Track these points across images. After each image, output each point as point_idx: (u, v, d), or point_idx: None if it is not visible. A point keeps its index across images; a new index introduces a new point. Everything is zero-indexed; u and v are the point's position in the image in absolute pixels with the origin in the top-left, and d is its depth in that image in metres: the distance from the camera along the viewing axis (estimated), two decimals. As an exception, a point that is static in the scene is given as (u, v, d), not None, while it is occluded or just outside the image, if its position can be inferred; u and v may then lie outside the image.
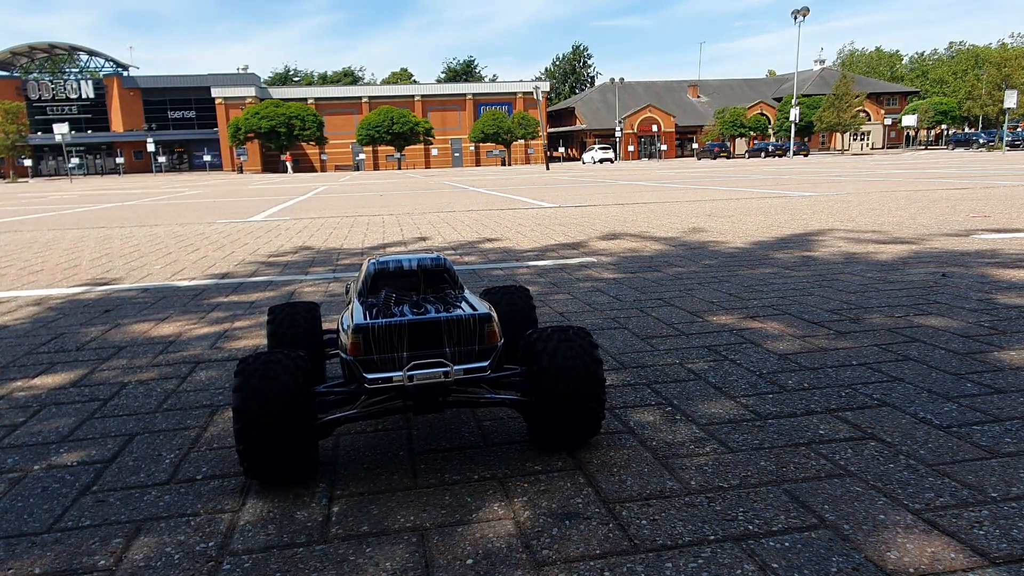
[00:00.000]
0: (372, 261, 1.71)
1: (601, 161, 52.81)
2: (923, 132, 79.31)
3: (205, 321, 2.98)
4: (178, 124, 73.94)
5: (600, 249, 4.82)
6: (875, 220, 6.09)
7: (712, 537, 1.19)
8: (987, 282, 3.23)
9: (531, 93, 69.13)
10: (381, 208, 9.93)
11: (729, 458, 1.48)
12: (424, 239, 5.77)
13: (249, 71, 77.71)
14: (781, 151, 54.22)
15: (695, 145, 74.26)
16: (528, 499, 1.34)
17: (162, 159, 66.91)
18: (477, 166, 66.56)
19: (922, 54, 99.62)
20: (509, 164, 66.11)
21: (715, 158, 55.21)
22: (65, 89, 70.86)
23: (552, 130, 78.95)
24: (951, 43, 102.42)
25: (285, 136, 56.38)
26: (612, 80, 76.87)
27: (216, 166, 71.79)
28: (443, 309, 1.46)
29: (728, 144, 60.82)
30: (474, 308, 1.47)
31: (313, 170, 65.54)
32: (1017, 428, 1.58)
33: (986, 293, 2.99)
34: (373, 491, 1.40)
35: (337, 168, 67.82)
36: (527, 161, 70.75)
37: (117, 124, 71.16)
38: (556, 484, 1.40)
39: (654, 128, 71.84)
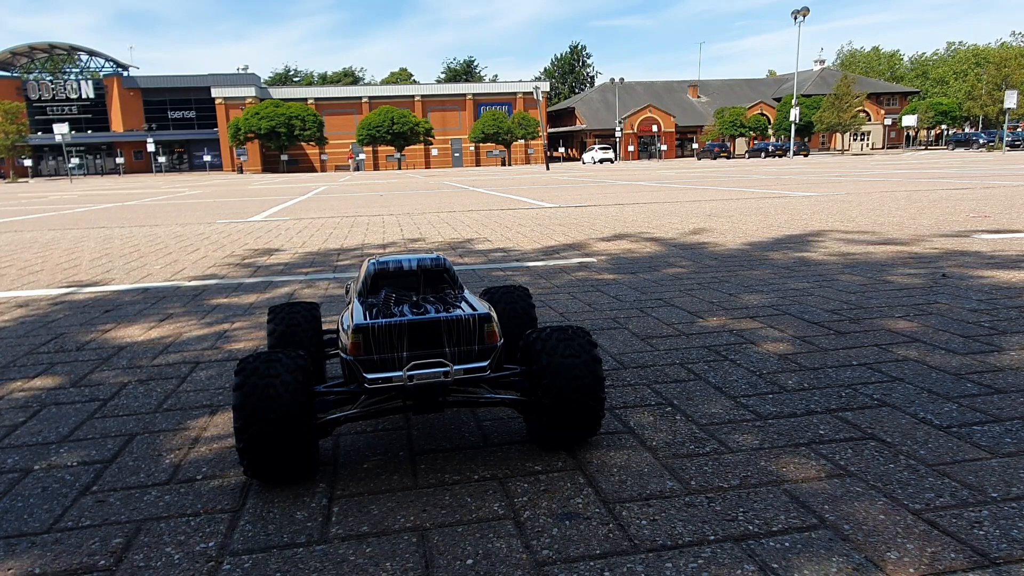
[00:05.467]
0: (372, 261, 1.71)
1: (601, 161, 52.80)
2: (923, 132, 79.32)
3: (205, 321, 2.98)
4: (178, 124, 73.92)
5: (600, 249, 4.82)
6: (875, 220, 6.09)
7: (712, 537, 1.19)
8: (987, 282, 3.23)
9: (531, 93, 69.14)
10: (381, 208, 9.93)
11: (729, 458, 1.48)
12: (424, 239, 5.77)
13: (249, 71, 77.85)
14: (781, 151, 54.19)
15: (695, 145, 74.27)
16: (528, 499, 1.34)
17: (162, 159, 66.89)
18: (477, 166, 66.56)
19: (922, 54, 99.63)
20: (509, 164, 66.10)
21: (715, 158, 55.21)
22: (65, 89, 70.83)
23: (552, 130, 78.94)
24: (949, 43, 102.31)
25: (285, 136, 56.37)
26: (612, 80, 76.86)
27: (216, 166, 71.79)
28: (443, 309, 1.46)
29: (728, 144, 60.80)
30: (474, 308, 1.47)
31: (313, 170, 65.55)
32: (1017, 428, 1.58)
33: (986, 293, 2.99)
34: (373, 491, 1.40)
35: (337, 168, 67.82)
36: (527, 161, 70.75)
37: (117, 124, 71.15)
38: (556, 484, 1.40)
39: (654, 128, 71.82)
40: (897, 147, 73.98)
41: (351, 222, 7.74)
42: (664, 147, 70.15)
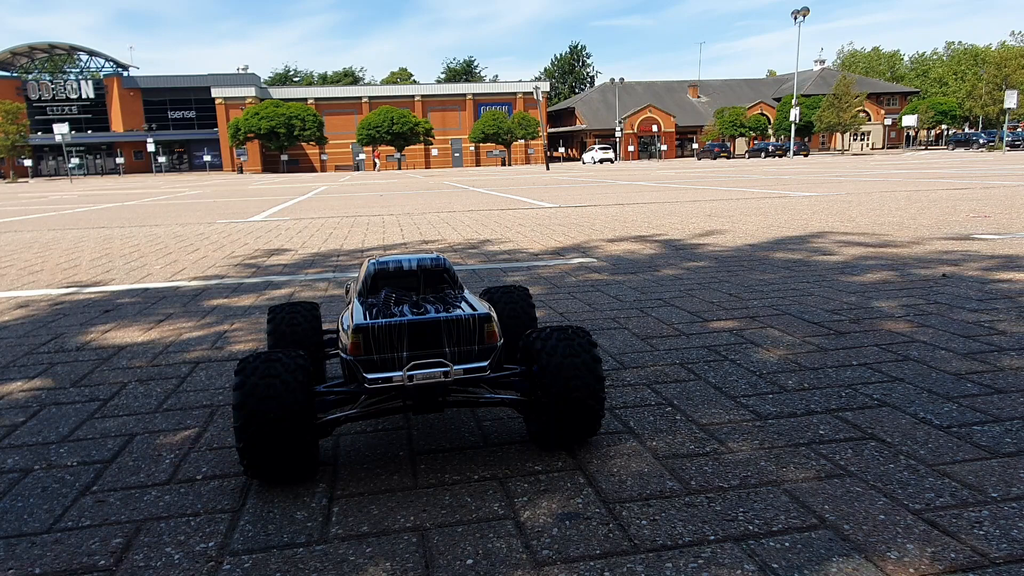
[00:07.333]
0: (372, 261, 1.71)
1: (601, 161, 52.79)
2: (923, 132, 79.30)
3: (205, 321, 2.98)
4: (178, 124, 73.89)
5: (600, 249, 4.82)
6: (875, 220, 6.09)
7: (712, 537, 1.19)
8: (987, 282, 3.23)
9: (531, 93, 69.14)
10: (381, 208, 9.93)
11: (729, 458, 1.48)
12: (424, 240, 5.77)
13: (249, 71, 77.52)
14: (781, 151, 54.19)
15: (695, 145, 74.28)
16: (528, 499, 1.34)
17: (162, 159, 66.88)
18: (477, 166, 66.55)
19: (922, 54, 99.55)
20: (509, 164, 66.10)
21: (715, 158, 55.19)
22: (65, 89, 70.81)
23: (552, 130, 78.94)
24: (948, 43, 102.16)
25: (285, 136, 56.37)
26: (612, 80, 76.84)
27: (216, 166, 71.78)
28: (443, 309, 1.46)
29: (728, 144, 60.80)
30: (474, 308, 1.47)
31: (313, 170, 65.54)
32: (1017, 428, 1.58)
33: (986, 293, 2.99)
34: (373, 491, 1.40)
35: (337, 168, 67.82)
36: (527, 161, 70.75)
37: (117, 124, 71.13)
38: (556, 484, 1.40)
39: (654, 128, 71.82)
40: (897, 147, 73.97)
41: (351, 222, 7.74)
42: (664, 147, 70.13)
